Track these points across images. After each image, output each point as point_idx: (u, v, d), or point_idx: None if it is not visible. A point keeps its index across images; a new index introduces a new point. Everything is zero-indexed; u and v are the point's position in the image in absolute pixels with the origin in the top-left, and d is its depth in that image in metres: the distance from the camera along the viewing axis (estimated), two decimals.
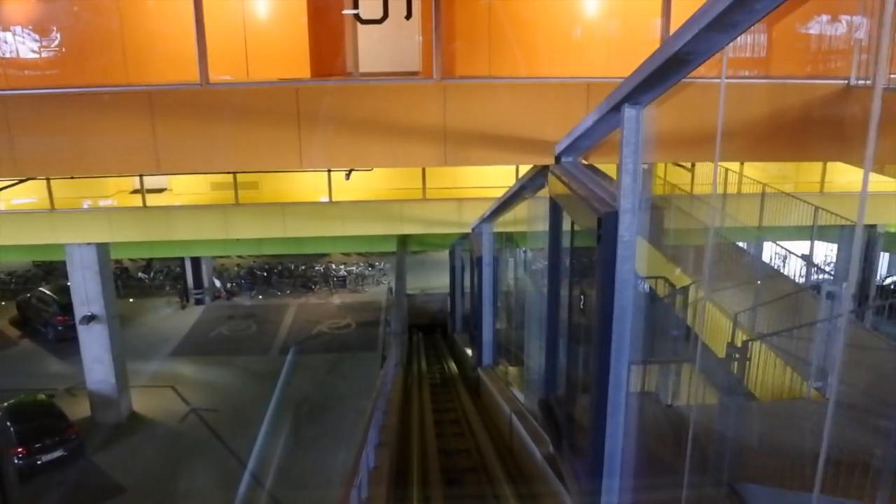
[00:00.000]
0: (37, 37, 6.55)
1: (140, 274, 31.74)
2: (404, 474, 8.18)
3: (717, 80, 5.79)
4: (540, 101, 6.81)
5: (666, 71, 3.83)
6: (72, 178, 14.70)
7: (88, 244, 17.15)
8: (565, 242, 6.43)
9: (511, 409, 9.29)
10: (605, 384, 4.85)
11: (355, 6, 7.41)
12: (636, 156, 4.49)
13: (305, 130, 6.19)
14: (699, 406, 7.19)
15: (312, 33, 7.37)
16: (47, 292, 26.28)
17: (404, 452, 9.13)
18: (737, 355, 7.99)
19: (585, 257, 5.66)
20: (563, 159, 6.44)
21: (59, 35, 6.70)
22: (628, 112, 4.45)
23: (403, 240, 20.36)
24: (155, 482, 16.05)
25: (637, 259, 4.60)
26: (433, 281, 27.90)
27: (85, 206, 15.62)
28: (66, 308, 24.74)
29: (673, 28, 5.95)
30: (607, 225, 4.60)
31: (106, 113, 5.87)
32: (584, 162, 6.42)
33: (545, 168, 6.83)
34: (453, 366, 17.74)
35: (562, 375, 6.66)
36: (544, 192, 6.88)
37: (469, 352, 15.84)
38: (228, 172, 14.07)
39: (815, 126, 7.10)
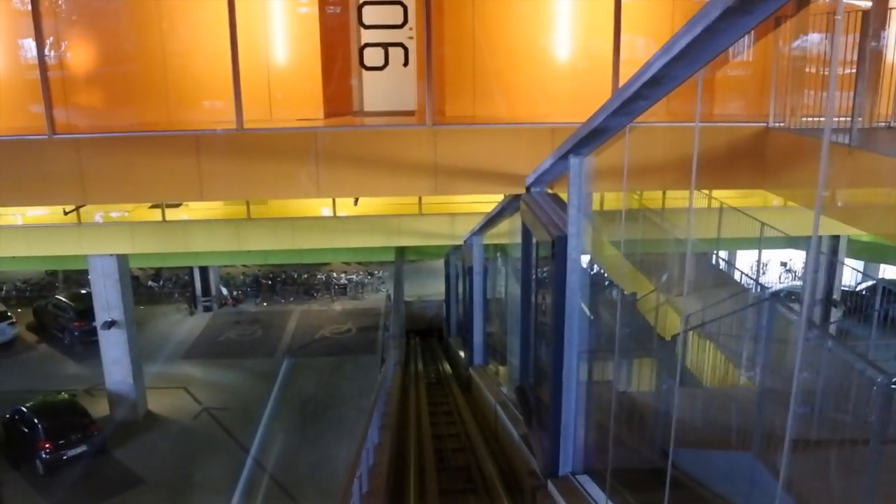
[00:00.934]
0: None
1: (150, 282, 32.98)
2: (402, 454, 9.47)
3: (655, 124, 7.35)
4: (513, 142, 8.05)
5: (599, 133, 4.86)
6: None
7: (110, 255, 18.46)
8: (532, 257, 7.42)
9: (496, 400, 10.43)
10: (559, 371, 5.96)
11: (361, 58, 8.81)
12: (580, 193, 5.66)
13: (322, 166, 7.45)
14: (645, 392, 8.32)
15: (325, 78, 8.66)
16: (63, 299, 27.55)
17: (402, 435, 10.42)
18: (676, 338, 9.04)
19: (546, 269, 6.55)
20: (532, 189, 7.41)
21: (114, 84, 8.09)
22: (573, 160, 5.64)
23: (401, 250, 21.63)
24: (171, 474, 17.28)
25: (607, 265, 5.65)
26: (429, 288, 29.15)
27: (98, 219, 16.79)
28: (82, 314, 26.19)
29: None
30: (559, 245, 5.72)
31: (161, 152, 7.21)
32: (549, 191, 7.41)
33: (518, 196, 7.92)
34: (447, 366, 18.98)
35: (532, 366, 7.73)
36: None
37: (462, 353, 17.00)
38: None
39: (740, 160, 8.28)
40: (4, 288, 32.95)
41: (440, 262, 26.01)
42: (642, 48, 8.50)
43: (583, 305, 5.99)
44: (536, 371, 7.58)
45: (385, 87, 9.09)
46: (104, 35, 8.08)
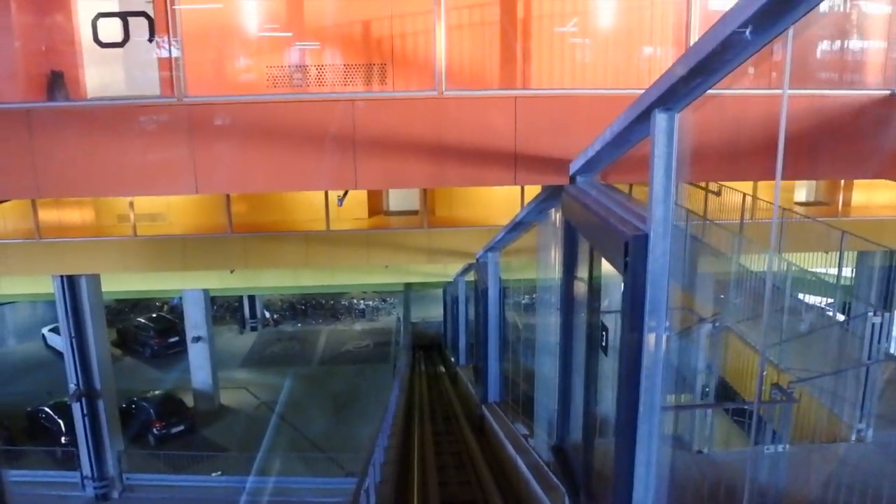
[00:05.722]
0: None
1: None
2: (409, 407, 15.64)
3: (750, 92, 5.52)
4: (553, 116, 6.56)
5: (703, 69, 3.38)
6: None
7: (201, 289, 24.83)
8: (582, 271, 5.66)
9: (525, 461, 8.31)
10: (632, 431, 4.28)
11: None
12: (669, 168, 3.87)
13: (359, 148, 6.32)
14: (732, 453, 7.09)
15: None
16: (144, 321, 33.93)
17: (409, 401, 16.61)
18: (782, 397, 6.75)
19: (607, 286, 5.06)
20: (579, 179, 5.88)
21: None
22: (659, 118, 3.86)
23: (408, 283, 28.01)
24: (244, 445, 23.40)
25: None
26: (431, 312, 35.20)
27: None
28: (160, 332, 32.49)
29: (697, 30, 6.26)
30: (636, 249, 4.03)
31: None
32: (600, 182, 5.85)
33: (558, 189, 6.35)
34: (442, 368, 25.17)
35: (578, 418, 6.10)
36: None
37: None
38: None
39: (857, 141, 6.60)
40: None
41: (440, 291, 32.22)
42: None
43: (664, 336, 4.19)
44: (586, 425, 5.87)
45: None
46: None
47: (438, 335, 31.49)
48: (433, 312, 34.39)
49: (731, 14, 3.16)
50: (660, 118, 3.93)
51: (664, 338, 4.19)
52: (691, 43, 6.42)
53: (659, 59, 7.44)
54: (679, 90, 3.73)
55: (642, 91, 4.07)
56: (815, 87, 6.86)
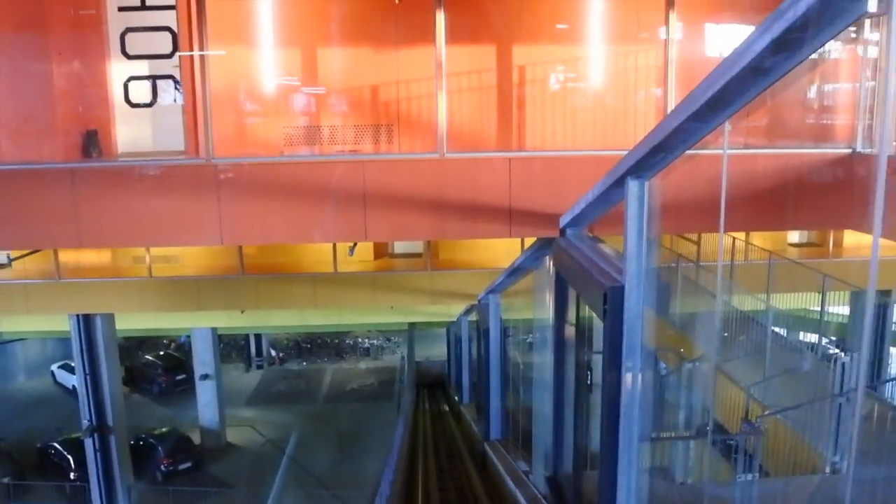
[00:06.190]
0: None
1: None
2: (413, 444, 16.19)
3: (720, 152, 5.60)
4: (544, 175, 7.22)
5: (669, 144, 3.89)
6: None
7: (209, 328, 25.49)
8: (570, 315, 6.18)
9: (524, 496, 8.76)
10: (613, 462, 4.69)
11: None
12: (641, 229, 4.38)
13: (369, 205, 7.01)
14: (714, 483, 7.42)
15: None
16: (151, 358, 34.53)
17: (414, 438, 17.16)
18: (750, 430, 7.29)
19: (591, 331, 5.49)
20: (569, 231, 6.31)
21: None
22: (632, 184, 4.37)
23: (413, 322, 28.63)
24: (250, 482, 23.82)
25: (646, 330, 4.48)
26: (434, 351, 35.65)
27: None
28: (167, 370, 33.07)
29: (673, 99, 7.09)
30: (613, 299, 4.50)
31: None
32: (588, 234, 6.33)
33: (550, 240, 6.84)
34: (446, 406, 25.67)
35: (569, 451, 6.60)
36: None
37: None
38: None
39: (822, 194, 7.14)
40: None
41: (443, 330, 32.76)
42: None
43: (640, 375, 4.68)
44: (575, 457, 6.48)
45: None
46: None
47: (442, 374, 31.78)
48: (437, 351, 34.73)
49: (680, 108, 3.88)
50: (632, 185, 4.50)
51: (642, 376, 4.67)
52: (669, 109, 7.38)
53: (643, 120, 8.35)
54: (647, 162, 4.34)
55: (625, 152, 4.58)
56: (784, 146, 7.70)
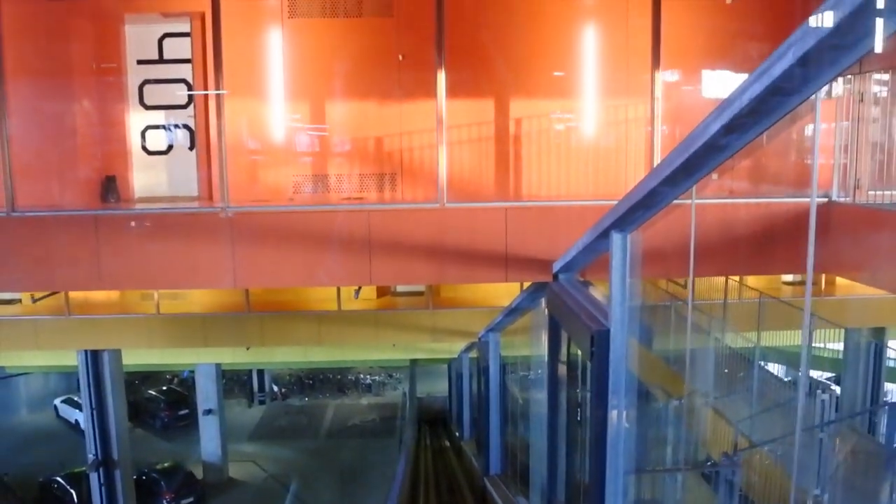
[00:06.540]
0: None
1: None
2: (415, 479, 16.47)
3: (701, 201, 6.25)
4: (539, 223, 7.76)
5: (645, 203, 4.32)
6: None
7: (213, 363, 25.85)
8: (563, 356, 6.52)
9: None
10: (601, 493, 4.92)
11: None
12: (624, 277, 4.69)
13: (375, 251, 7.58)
14: None
15: None
16: (154, 393, 34.82)
17: (415, 473, 17.43)
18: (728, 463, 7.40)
19: (581, 370, 5.75)
20: (561, 276, 6.61)
21: None
22: (615, 237, 4.74)
23: (415, 359, 28.97)
24: None
25: (638, 366, 4.80)
26: (436, 387, 35.91)
27: None
28: (170, 405, 33.36)
29: (659, 151, 7.73)
30: (599, 341, 4.81)
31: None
32: (580, 279, 6.59)
33: (544, 284, 7.23)
34: (446, 442, 25.89)
35: (563, 486, 6.91)
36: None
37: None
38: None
39: (799, 240, 7.24)
40: None
41: (445, 366, 33.04)
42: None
43: (625, 414, 4.99)
44: (569, 491, 6.77)
45: None
46: None
47: (443, 410, 31.92)
48: (438, 387, 34.89)
49: (652, 174, 4.41)
50: (616, 237, 4.90)
51: (627, 412, 4.99)
52: (656, 159, 7.97)
53: (633, 170, 8.88)
54: (627, 218, 4.78)
55: (614, 202, 4.93)
56: (764, 195, 8.35)
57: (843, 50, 2.73)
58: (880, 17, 2.45)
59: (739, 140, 3.64)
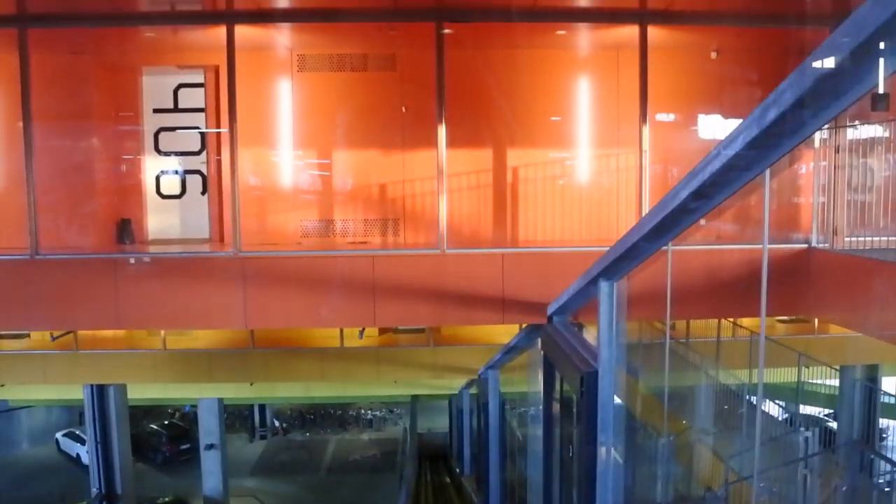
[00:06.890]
0: None
1: None
2: None
3: (688, 248, 6.61)
4: (534, 268, 8.16)
5: (629, 255, 4.40)
6: None
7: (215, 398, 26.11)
8: (557, 394, 6.63)
9: None
10: None
11: None
12: (611, 322, 4.85)
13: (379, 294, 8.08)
14: None
15: None
16: (156, 427, 35.01)
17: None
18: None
19: (573, 409, 5.85)
20: (555, 318, 6.70)
21: None
22: (603, 285, 4.87)
23: (416, 394, 29.24)
24: None
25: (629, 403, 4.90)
26: (437, 422, 36.07)
27: None
28: (172, 439, 33.51)
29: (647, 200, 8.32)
30: (588, 382, 4.97)
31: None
32: (573, 321, 6.72)
33: (539, 326, 7.28)
34: (447, 478, 26.02)
35: None
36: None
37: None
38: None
39: (782, 283, 7.73)
40: None
41: (446, 402, 33.22)
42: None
43: (615, 452, 5.14)
44: None
45: None
46: None
47: (444, 445, 31.95)
48: (439, 423, 34.93)
49: (633, 231, 4.44)
50: (603, 285, 5.14)
51: (614, 449, 5.19)
52: (645, 207, 8.43)
53: (624, 217, 9.33)
54: (613, 268, 5.02)
55: (606, 248, 5.12)
56: (748, 242, 8.62)
57: (787, 136, 3.10)
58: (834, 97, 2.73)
59: (707, 204, 3.99)
